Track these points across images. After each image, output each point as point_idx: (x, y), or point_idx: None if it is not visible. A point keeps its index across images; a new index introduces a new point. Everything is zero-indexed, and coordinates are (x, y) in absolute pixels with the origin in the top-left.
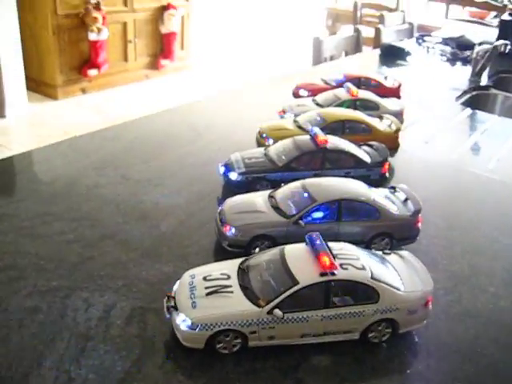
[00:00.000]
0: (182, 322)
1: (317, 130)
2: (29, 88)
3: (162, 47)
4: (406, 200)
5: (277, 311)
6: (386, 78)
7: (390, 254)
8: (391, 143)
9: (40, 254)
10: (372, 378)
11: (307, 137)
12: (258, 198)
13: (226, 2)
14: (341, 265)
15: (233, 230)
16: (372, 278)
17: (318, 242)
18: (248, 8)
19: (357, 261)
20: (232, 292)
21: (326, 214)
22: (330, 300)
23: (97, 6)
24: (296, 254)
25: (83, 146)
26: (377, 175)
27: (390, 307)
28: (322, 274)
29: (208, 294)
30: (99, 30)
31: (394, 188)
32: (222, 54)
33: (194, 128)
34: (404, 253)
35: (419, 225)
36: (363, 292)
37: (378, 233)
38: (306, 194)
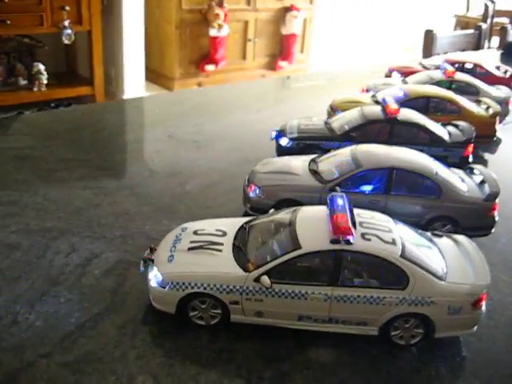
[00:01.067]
0: (153, 277)
1: (390, 99)
2: (148, 79)
3: (281, 48)
4: (482, 182)
5: (264, 278)
6: (498, 68)
7: (441, 236)
8: (486, 128)
9: (48, 195)
10: None
11: (377, 107)
12: (298, 161)
13: (349, 7)
14: (363, 234)
15: (257, 191)
16: (402, 256)
17: (339, 201)
18: (371, 16)
19: (387, 233)
20: (220, 250)
21: (373, 184)
22: (341, 276)
23: (220, 3)
24: (311, 215)
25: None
26: (456, 157)
27: (423, 299)
28: (334, 241)
29: (190, 249)
30: (220, 27)
31: (471, 169)
32: (339, 60)
33: (264, 99)
34: (460, 237)
35: (495, 213)
36: (388, 273)
37: (438, 215)
38: (350, 159)
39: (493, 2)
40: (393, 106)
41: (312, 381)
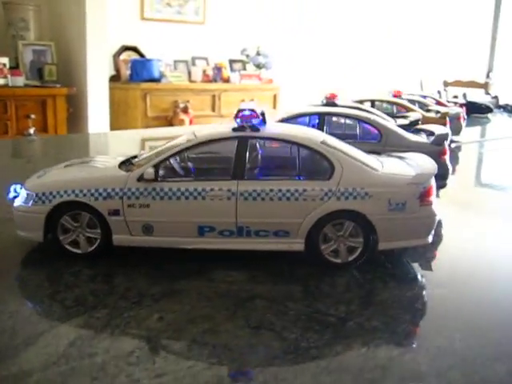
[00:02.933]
0: (20, 197)
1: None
2: None
3: None
4: (431, 134)
5: (149, 170)
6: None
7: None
8: None
9: None
10: (304, 322)
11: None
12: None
13: None
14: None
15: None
16: (323, 143)
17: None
18: None
19: (311, 132)
20: (103, 165)
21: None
22: (247, 167)
23: (185, 109)
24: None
25: None
26: None
27: (355, 190)
28: (237, 129)
29: (68, 166)
30: None
31: (418, 130)
32: None
33: None
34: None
35: (446, 158)
36: (307, 162)
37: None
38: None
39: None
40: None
41: (215, 296)
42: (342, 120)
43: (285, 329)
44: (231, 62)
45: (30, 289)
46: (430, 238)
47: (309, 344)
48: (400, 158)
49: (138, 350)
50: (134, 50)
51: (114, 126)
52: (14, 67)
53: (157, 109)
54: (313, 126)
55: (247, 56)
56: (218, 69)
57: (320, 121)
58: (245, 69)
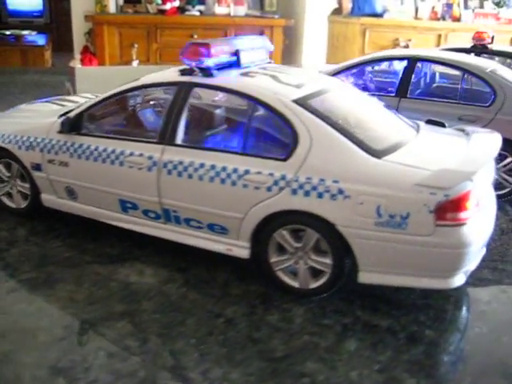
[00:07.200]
0: None
1: None
2: None
3: None
4: None
5: (60, 120)
6: None
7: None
8: None
9: None
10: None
11: None
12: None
13: None
14: (246, 73)
15: None
16: (299, 102)
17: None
18: None
19: (303, 78)
20: (52, 108)
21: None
22: (178, 128)
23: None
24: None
25: None
26: None
27: (323, 182)
28: (184, 72)
29: (1, 117)
30: None
31: None
32: None
33: None
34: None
35: None
36: (266, 131)
37: None
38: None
39: None
40: None
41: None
42: (441, 69)
43: None
44: None
45: None
46: (459, 280)
47: None
48: (462, 136)
49: None
50: None
51: (330, 60)
52: None
53: (375, 46)
54: (394, 76)
55: None
56: (448, 5)
57: (408, 68)
58: (482, 6)
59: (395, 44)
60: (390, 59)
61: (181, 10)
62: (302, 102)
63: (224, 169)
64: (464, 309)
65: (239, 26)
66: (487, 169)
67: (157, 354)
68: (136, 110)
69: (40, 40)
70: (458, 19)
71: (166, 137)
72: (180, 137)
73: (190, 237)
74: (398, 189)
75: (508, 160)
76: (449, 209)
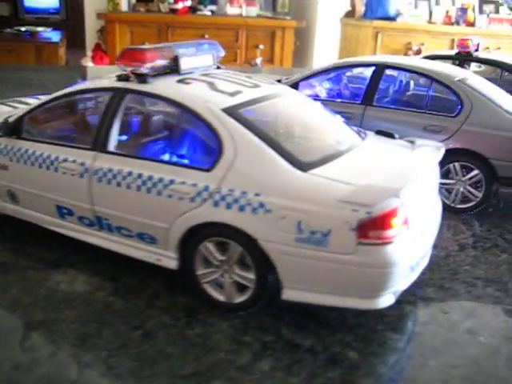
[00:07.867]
0: None
1: None
2: None
3: None
4: None
5: None
6: None
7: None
8: None
9: None
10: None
11: None
12: None
13: None
14: (183, 80)
15: None
16: (228, 111)
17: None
18: None
19: (243, 86)
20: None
21: None
22: (110, 134)
23: (418, 53)
24: None
25: None
26: None
27: (245, 195)
28: (121, 77)
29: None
30: None
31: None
32: None
33: None
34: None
35: None
36: (195, 141)
37: None
38: None
39: None
40: None
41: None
42: (407, 78)
43: None
44: (482, 2)
45: None
46: (386, 301)
47: None
48: (408, 148)
49: None
50: None
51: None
52: None
53: (387, 49)
54: (362, 82)
55: None
56: (462, 10)
57: (374, 75)
58: (497, 11)
59: (407, 48)
60: (359, 66)
61: (192, 9)
62: (231, 111)
63: (150, 178)
64: (396, 330)
65: (251, 26)
66: (424, 183)
67: (64, 366)
68: (73, 116)
69: (55, 37)
70: (472, 24)
71: (98, 144)
72: (112, 144)
73: (122, 245)
74: (319, 204)
75: (474, 173)
76: (371, 227)
